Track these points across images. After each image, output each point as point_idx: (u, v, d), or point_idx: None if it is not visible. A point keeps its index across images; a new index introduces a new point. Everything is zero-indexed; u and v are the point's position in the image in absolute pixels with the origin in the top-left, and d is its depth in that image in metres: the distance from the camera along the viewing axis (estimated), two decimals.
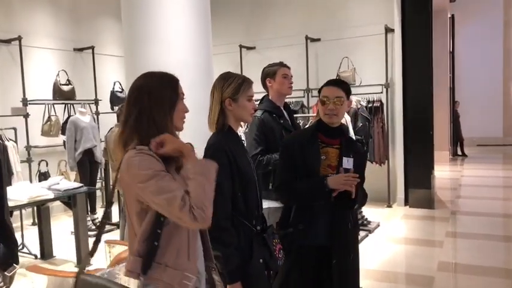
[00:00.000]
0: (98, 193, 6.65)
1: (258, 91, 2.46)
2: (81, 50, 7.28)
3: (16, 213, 5.25)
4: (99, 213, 6.28)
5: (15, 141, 5.63)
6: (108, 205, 3.43)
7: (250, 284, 1.97)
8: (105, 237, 5.41)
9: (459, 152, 12.62)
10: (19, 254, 5.33)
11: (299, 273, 2.26)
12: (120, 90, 6.94)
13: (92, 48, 7.17)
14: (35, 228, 5.25)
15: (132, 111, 1.57)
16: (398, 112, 6.70)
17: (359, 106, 5.91)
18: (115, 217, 6.08)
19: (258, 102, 2.87)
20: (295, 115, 6.68)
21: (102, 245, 3.26)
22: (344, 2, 7.19)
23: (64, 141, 6.11)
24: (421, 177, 6.56)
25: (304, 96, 7.17)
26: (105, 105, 7.15)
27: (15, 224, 5.60)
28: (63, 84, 6.51)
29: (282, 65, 2.97)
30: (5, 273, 1.78)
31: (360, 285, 2.46)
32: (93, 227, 5.85)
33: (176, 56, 3.32)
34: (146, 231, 1.51)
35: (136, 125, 1.56)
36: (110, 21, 7.71)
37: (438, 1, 8.91)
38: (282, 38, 7.44)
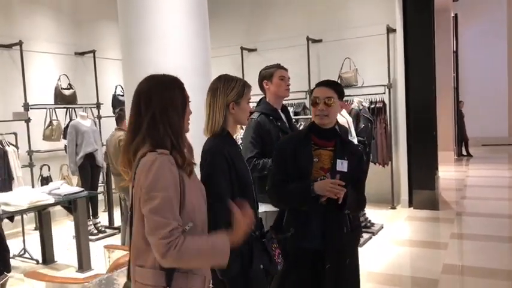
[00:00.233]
0: (100, 197, 6.64)
1: (255, 93, 2.43)
2: (82, 54, 7.29)
3: (18, 218, 5.24)
4: (101, 217, 6.27)
5: (16, 146, 5.63)
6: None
7: None
8: (107, 241, 5.43)
9: (464, 152, 12.54)
10: (21, 259, 5.28)
11: (296, 276, 2.23)
12: (122, 93, 6.92)
13: (93, 52, 7.17)
14: (38, 233, 5.24)
15: (142, 117, 1.54)
16: (401, 113, 6.67)
17: (361, 107, 5.86)
18: (117, 221, 6.07)
19: (254, 105, 2.84)
20: (297, 117, 6.72)
21: (101, 250, 3.24)
22: (345, 2, 7.15)
23: (65, 146, 6.10)
24: (425, 178, 6.51)
25: (306, 98, 7.11)
26: (107, 109, 7.15)
27: (17, 229, 5.60)
28: (64, 89, 6.52)
29: (279, 67, 2.95)
30: None
31: None
32: (95, 231, 5.83)
33: (174, 59, 3.29)
34: None
35: (149, 131, 1.52)
36: (111, 25, 7.70)
37: (441, 0, 8.86)
38: (283, 40, 7.41)
